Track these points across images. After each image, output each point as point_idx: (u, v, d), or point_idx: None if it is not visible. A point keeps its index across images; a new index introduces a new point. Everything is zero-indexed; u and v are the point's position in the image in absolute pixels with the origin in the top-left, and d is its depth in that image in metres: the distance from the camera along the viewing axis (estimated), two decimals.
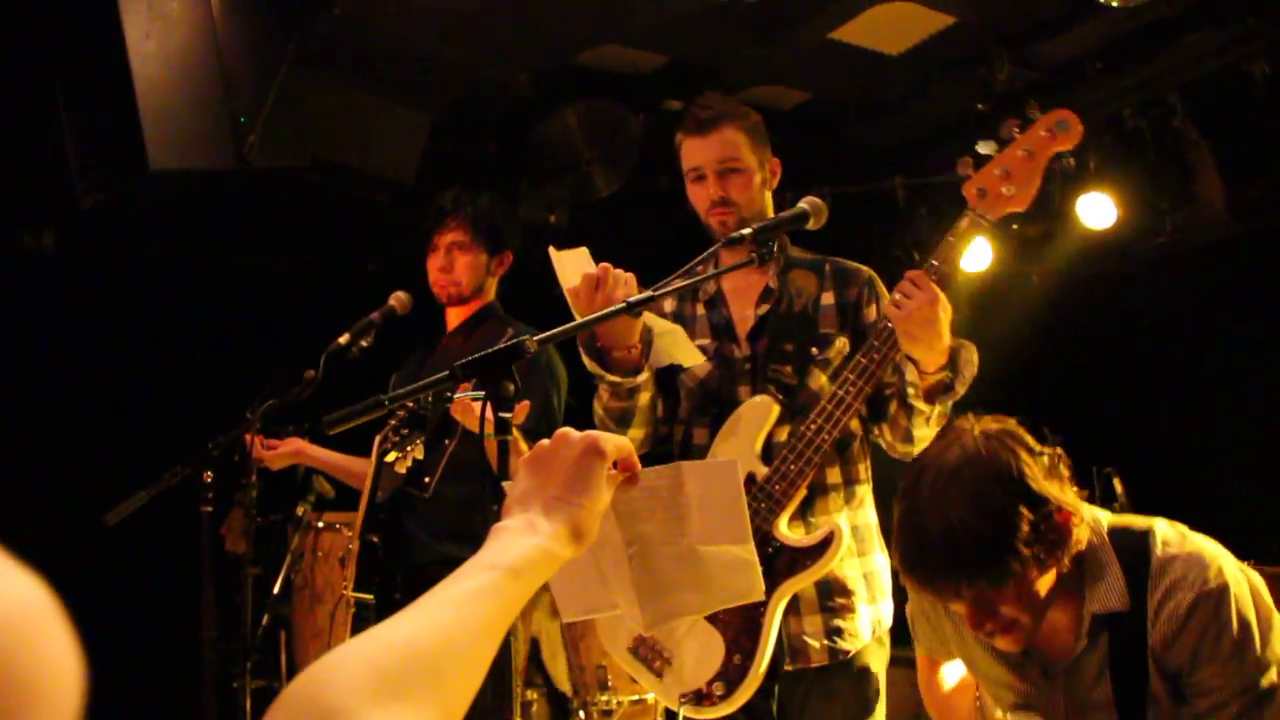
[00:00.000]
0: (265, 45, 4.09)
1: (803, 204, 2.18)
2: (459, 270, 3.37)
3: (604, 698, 4.40)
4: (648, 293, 1.88)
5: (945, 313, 2.26)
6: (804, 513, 2.46)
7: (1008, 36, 4.83)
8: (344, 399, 3.46)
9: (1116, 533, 1.93)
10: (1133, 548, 1.91)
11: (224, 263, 5.30)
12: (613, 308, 1.88)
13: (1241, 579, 1.89)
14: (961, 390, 2.34)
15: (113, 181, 4.02)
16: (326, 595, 3.61)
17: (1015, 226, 5.95)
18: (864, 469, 2.61)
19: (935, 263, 2.28)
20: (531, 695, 4.46)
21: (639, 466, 1.27)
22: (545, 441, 1.21)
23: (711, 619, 2.35)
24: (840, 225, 2.52)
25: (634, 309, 1.85)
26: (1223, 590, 1.85)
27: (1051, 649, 1.95)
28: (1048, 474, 1.80)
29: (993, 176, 2.25)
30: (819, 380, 2.53)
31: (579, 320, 1.80)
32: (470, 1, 4.21)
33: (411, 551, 3.17)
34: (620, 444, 1.23)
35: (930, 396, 2.35)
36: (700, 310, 2.66)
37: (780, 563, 2.35)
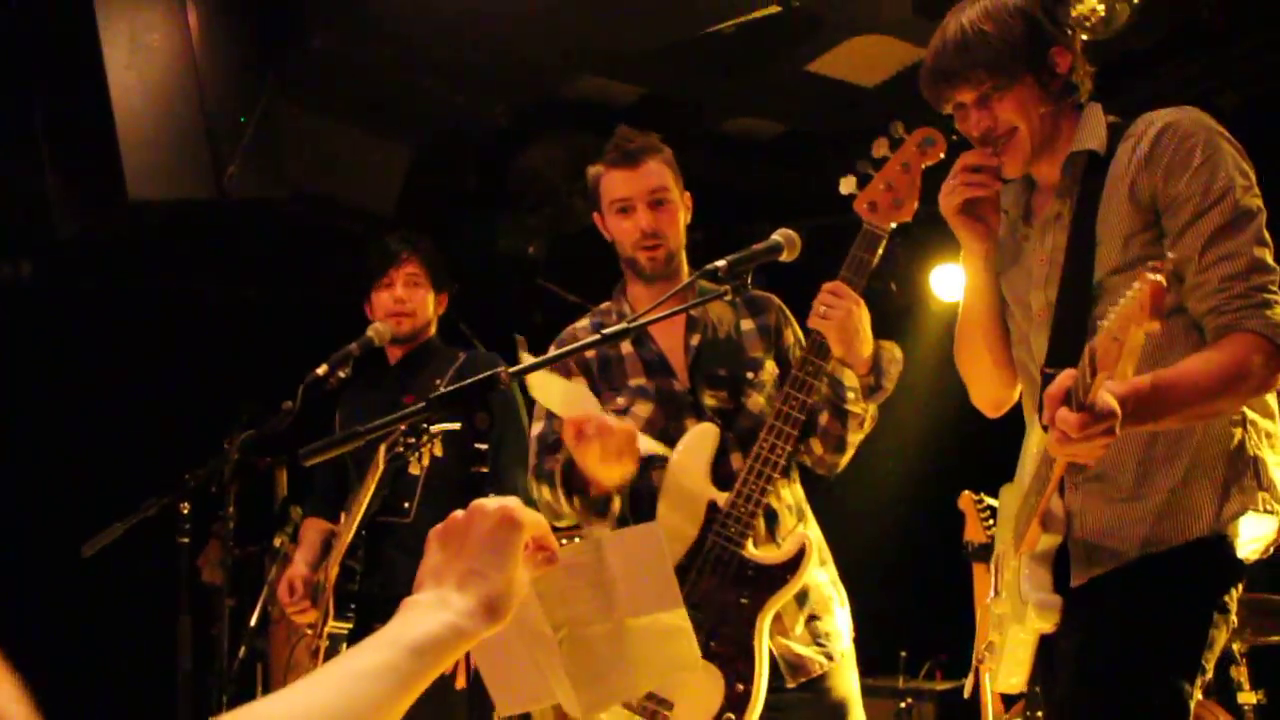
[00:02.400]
0: (245, 76, 4.11)
1: (776, 236, 2.19)
2: (415, 302, 3.47)
3: None
4: (622, 325, 1.89)
5: (867, 317, 2.40)
6: (771, 535, 2.51)
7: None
8: (323, 430, 3.47)
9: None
10: (1125, 123, 2.18)
11: (203, 293, 5.30)
12: (589, 339, 1.88)
13: (1216, 124, 2.10)
14: (889, 388, 2.47)
15: (91, 211, 4.02)
16: (294, 619, 3.59)
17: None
18: (800, 489, 2.66)
19: (847, 274, 2.40)
20: None
21: (555, 545, 1.22)
22: (458, 513, 1.16)
23: (702, 654, 2.34)
24: (817, 257, 2.56)
25: (608, 340, 1.86)
26: (1193, 118, 2.09)
27: (1042, 198, 2.26)
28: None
29: (879, 191, 2.41)
30: (756, 403, 2.56)
31: (553, 354, 1.81)
32: (448, 34, 4.25)
33: (391, 581, 3.15)
34: (536, 519, 1.18)
35: (864, 397, 2.47)
36: (627, 349, 2.61)
37: (761, 583, 2.39)
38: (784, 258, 2.20)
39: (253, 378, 4.34)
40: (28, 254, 4.94)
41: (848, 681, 2.55)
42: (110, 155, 3.84)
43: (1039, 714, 4.19)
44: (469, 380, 1.61)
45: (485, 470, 1.65)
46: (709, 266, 2.07)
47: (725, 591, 2.37)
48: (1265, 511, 2.06)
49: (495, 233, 5.33)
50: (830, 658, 2.51)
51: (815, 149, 5.65)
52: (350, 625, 3.17)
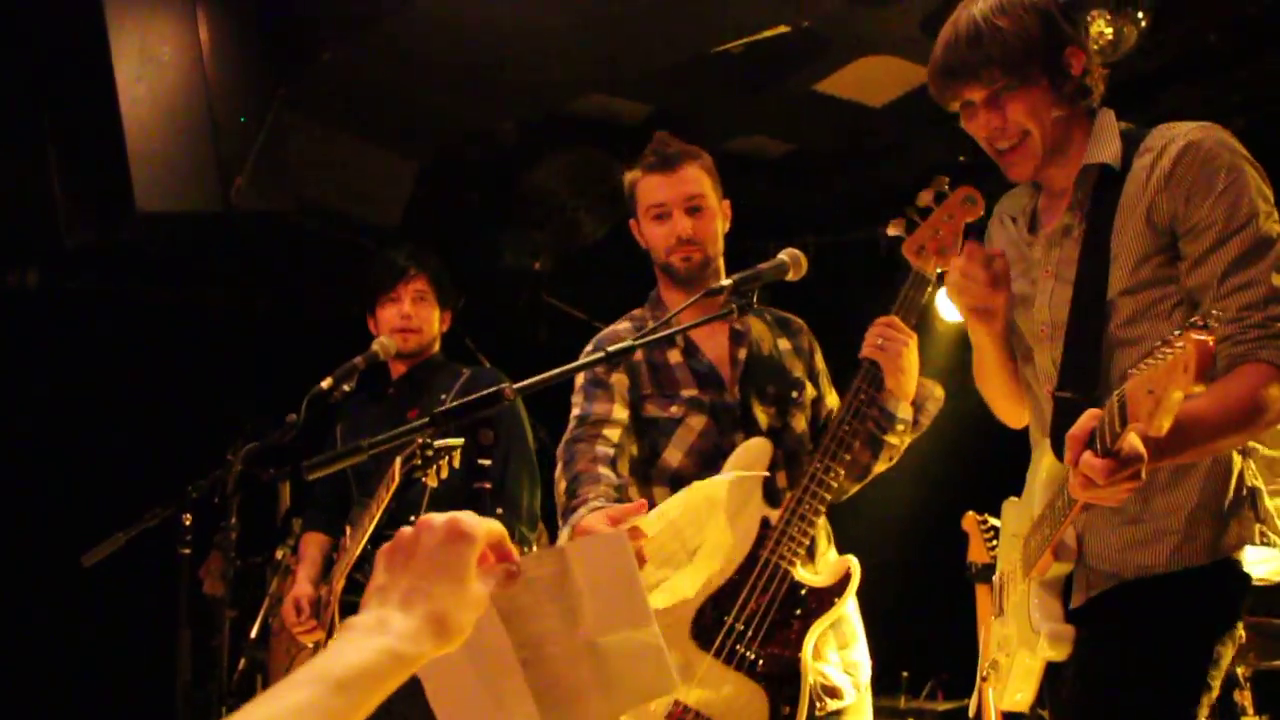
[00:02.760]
0: (254, 90, 4.13)
1: (782, 255, 2.19)
2: (421, 318, 3.47)
3: None
4: (627, 343, 1.89)
5: (916, 354, 2.47)
6: (810, 557, 2.52)
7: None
8: (323, 443, 3.47)
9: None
10: (1138, 132, 2.14)
11: (209, 304, 5.31)
12: (592, 357, 1.88)
13: (1239, 145, 2.03)
14: (926, 424, 2.54)
15: (99, 222, 4.03)
16: (300, 638, 3.58)
17: None
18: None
19: (900, 310, 2.45)
20: None
21: (515, 554, 1.12)
22: (406, 529, 1.09)
23: (749, 673, 2.37)
24: (824, 275, 2.58)
25: (613, 358, 1.86)
26: (1216, 139, 2.00)
27: (1049, 204, 2.23)
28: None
29: (928, 237, 2.46)
30: (800, 423, 2.59)
31: (558, 370, 1.80)
32: (457, 50, 4.26)
33: None
34: (491, 528, 1.10)
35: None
36: (676, 358, 2.60)
37: (811, 604, 2.41)
38: (790, 277, 2.20)
39: (257, 390, 4.35)
40: (35, 262, 4.95)
41: (868, 715, 2.58)
42: (119, 166, 3.86)
43: None
44: (473, 396, 1.61)
45: (489, 486, 1.65)
46: (715, 286, 2.09)
47: (775, 611, 2.37)
48: (1263, 543, 2.05)
49: (501, 248, 5.34)
50: (857, 689, 2.53)
51: (822, 168, 5.66)
52: None
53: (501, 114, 4.86)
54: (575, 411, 2.57)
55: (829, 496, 2.40)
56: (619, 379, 2.56)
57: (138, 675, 4.57)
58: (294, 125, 4.26)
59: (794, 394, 2.59)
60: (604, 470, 2.46)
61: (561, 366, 1.83)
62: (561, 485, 2.47)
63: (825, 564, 2.54)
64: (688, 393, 2.55)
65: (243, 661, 4.19)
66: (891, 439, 2.50)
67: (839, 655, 2.52)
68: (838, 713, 2.46)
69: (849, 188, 5.72)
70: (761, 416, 2.54)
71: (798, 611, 2.39)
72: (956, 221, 2.47)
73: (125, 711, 4.85)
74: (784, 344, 2.67)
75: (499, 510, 3.14)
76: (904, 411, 2.48)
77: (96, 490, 4.63)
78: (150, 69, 3.91)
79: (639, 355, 2.58)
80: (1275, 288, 1.92)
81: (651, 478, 2.55)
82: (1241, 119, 4.82)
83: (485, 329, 3.62)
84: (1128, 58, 4.42)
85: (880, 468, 2.56)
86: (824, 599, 2.42)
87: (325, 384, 3.04)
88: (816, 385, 2.69)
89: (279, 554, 4.27)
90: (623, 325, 2.66)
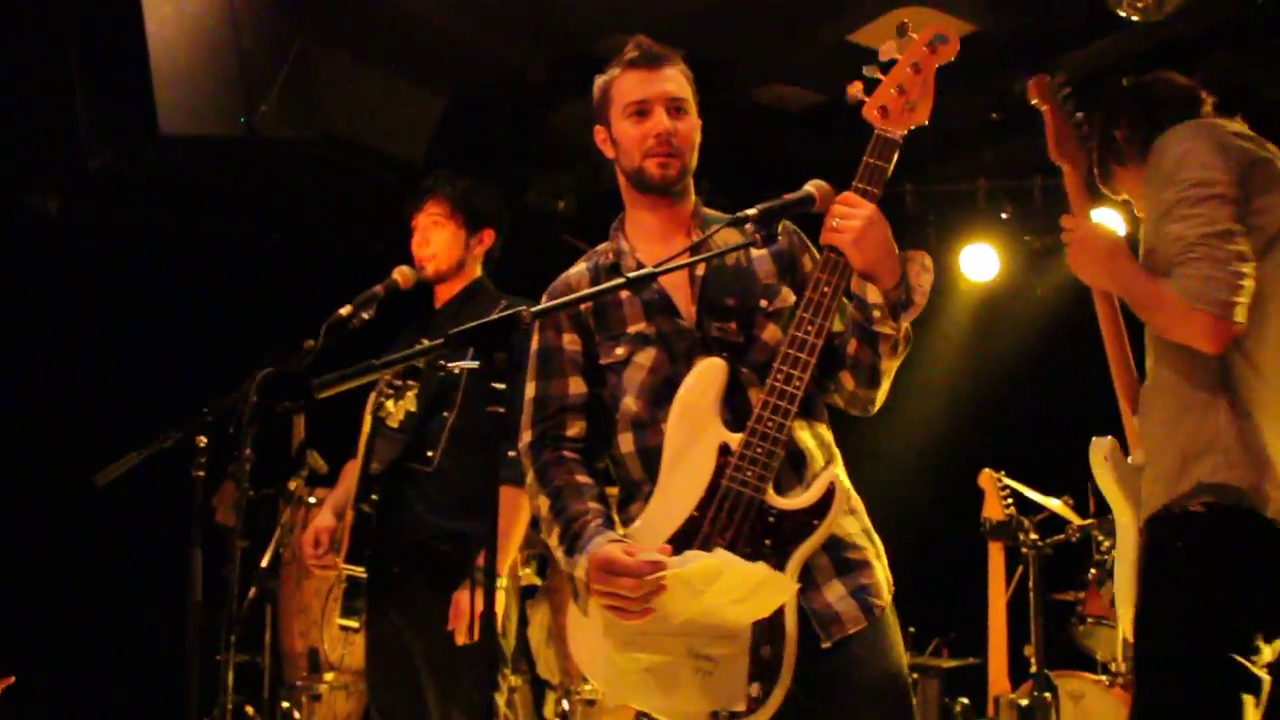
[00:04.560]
0: (282, 15, 4.08)
1: (809, 186, 2.14)
2: (435, 243, 3.36)
3: (587, 687, 4.39)
4: (648, 269, 1.85)
5: (886, 225, 2.18)
6: (800, 478, 2.24)
7: (1026, 47, 4.82)
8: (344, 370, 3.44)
9: None
10: None
11: (230, 232, 5.30)
12: (613, 282, 1.84)
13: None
14: (921, 302, 2.22)
15: (122, 144, 4.02)
16: (315, 570, 3.59)
17: (1027, 239, 5.96)
18: (826, 424, 2.40)
19: (861, 185, 2.19)
20: (515, 681, 4.46)
21: None
22: None
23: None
24: None
25: (632, 284, 1.83)
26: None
27: None
28: None
29: (890, 95, 2.24)
30: (773, 334, 2.30)
31: (579, 294, 1.77)
32: None
33: (412, 526, 3.14)
34: None
35: (894, 314, 2.20)
36: (625, 292, 2.32)
37: (786, 530, 2.15)
38: (816, 208, 2.14)
39: (276, 318, 4.34)
40: (57, 185, 4.94)
41: (892, 642, 2.28)
42: (143, 88, 3.84)
43: (1047, 695, 4.18)
44: (488, 319, 1.59)
45: (502, 411, 1.62)
46: (739, 214, 2.03)
47: (745, 544, 2.12)
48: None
49: (525, 187, 5.31)
50: (871, 612, 2.24)
51: (851, 120, 5.58)
52: (364, 571, 3.16)
53: (531, 52, 4.81)
54: (529, 393, 2.39)
55: (792, 409, 2.13)
56: (570, 340, 2.35)
57: (149, 597, 4.60)
58: (321, 53, 4.22)
59: (761, 302, 2.31)
60: (581, 479, 2.30)
61: (595, 287, 1.80)
62: (543, 501, 2.30)
63: (816, 484, 2.24)
64: (634, 328, 2.31)
65: (253, 590, 4.20)
66: (881, 328, 2.19)
67: (840, 580, 2.24)
68: (844, 642, 2.20)
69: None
70: (718, 333, 2.28)
71: (767, 542, 2.13)
72: (925, 71, 2.25)
73: (136, 632, 4.90)
74: (758, 251, 2.37)
75: (511, 453, 3.11)
76: (874, 295, 2.17)
77: (114, 413, 4.65)
78: None
79: (586, 304, 2.34)
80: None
81: (616, 428, 2.33)
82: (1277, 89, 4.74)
83: (505, 268, 3.57)
84: (1170, 19, 4.33)
85: (888, 364, 2.25)
86: (802, 523, 2.16)
87: (344, 311, 3.02)
88: (799, 288, 2.32)
89: (292, 485, 4.27)
90: (575, 269, 2.43)
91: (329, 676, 4.46)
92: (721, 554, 2.08)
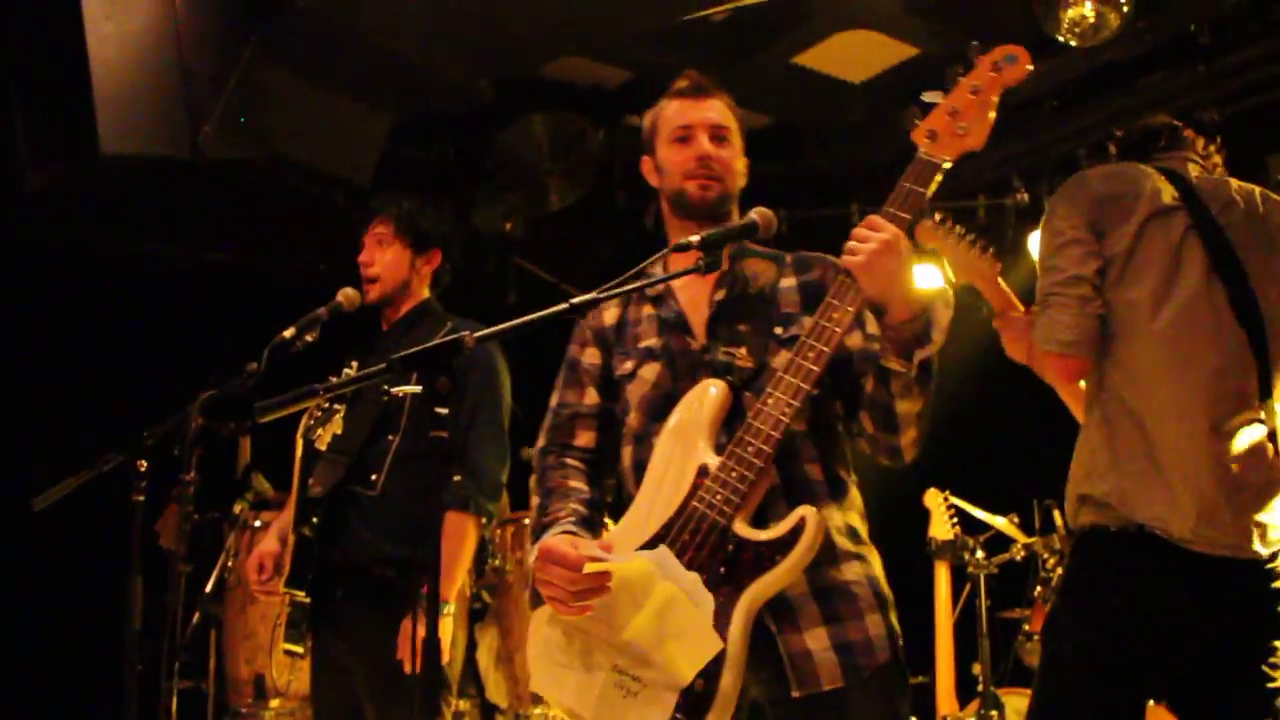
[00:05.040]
0: (226, 35, 4.06)
1: (753, 214, 2.13)
2: (379, 264, 3.33)
3: (537, 711, 4.37)
4: (592, 294, 1.86)
5: (909, 254, 2.06)
6: (786, 513, 2.11)
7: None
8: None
9: None
10: None
11: (172, 253, 5.23)
12: (555, 308, 1.85)
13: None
14: (939, 340, 2.07)
15: (62, 164, 3.96)
16: (259, 596, 3.55)
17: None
18: (847, 464, 2.30)
19: (892, 210, 2.09)
20: (463, 705, 4.43)
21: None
22: None
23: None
24: (795, 249, 2.50)
25: (577, 310, 1.83)
26: None
27: None
28: None
29: (942, 118, 2.14)
30: (783, 360, 2.17)
31: (522, 319, 1.78)
32: (436, 5, 4.21)
33: (355, 550, 3.10)
34: None
35: (906, 350, 2.06)
36: (648, 310, 2.37)
37: (744, 561, 2.03)
38: (760, 235, 2.14)
39: (219, 340, 4.29)
40: None
41: (878, 710, 2.12)
42: (84, 107, 3.79)
43: (994, 713, 4.21)
44: (431, 343, 1.58)
45: (444, 435, 1.61)
46: (682, 241, 2.01)
47: (701, 569, 2.03)
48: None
49: (472, 208, 5.29)
50: (855, 671, 2.09)
51: (798, 142, 5.65)
52: (305, 594, 3.13)
53: (477, 72, 4.80)
54: (550, 402, 2.44)
55: (776, 435, 2.04)
56: (590, 354, 2.40)
57: (89, 624, 4.52)
58: (265, 74, 4.19)
59: (776, 329, 2.24)
60: (575, 484, 2.32)
61: (536, 313, 1.80)
62: (534, 503, 2.34)
63: (789, 518, 2.12)
64: (646, 343, 2.33)
65: (196, 616, 4.15)
66: (888, 363, 2.07)
67: (827, 629, 2.11)
68: (820, 698, 2.06)
69: (824, 163, 5.71)
70: (726, 357, 2.23)
71: (722, 570, 2.02)
72: (985, 94, 2.12)
73: (75, 660, 4.81)
74: (787, 281, 2.33)
75: (457, 477, 3.09)
76: (873, 325, 2.11)
77: (52, 436, 4.56)
78: (119, 8, 3.84)
79: (612, 318, 2.41)
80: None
81: (620, 441, 2.35)
82: (1218, 112, 4.84)
83: (454, 290, 3.56)
84: (1108, 44, 4.42)
85: (905, 406, 2.11)
86: (761, 555, 2.02)
87: (287, 334, 2.99)
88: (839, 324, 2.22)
89: (237, 509, 4.23)
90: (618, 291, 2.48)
91: (274, 703, 4.40)
92: (662, 553, 2.06)
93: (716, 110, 2.38)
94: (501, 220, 5.33)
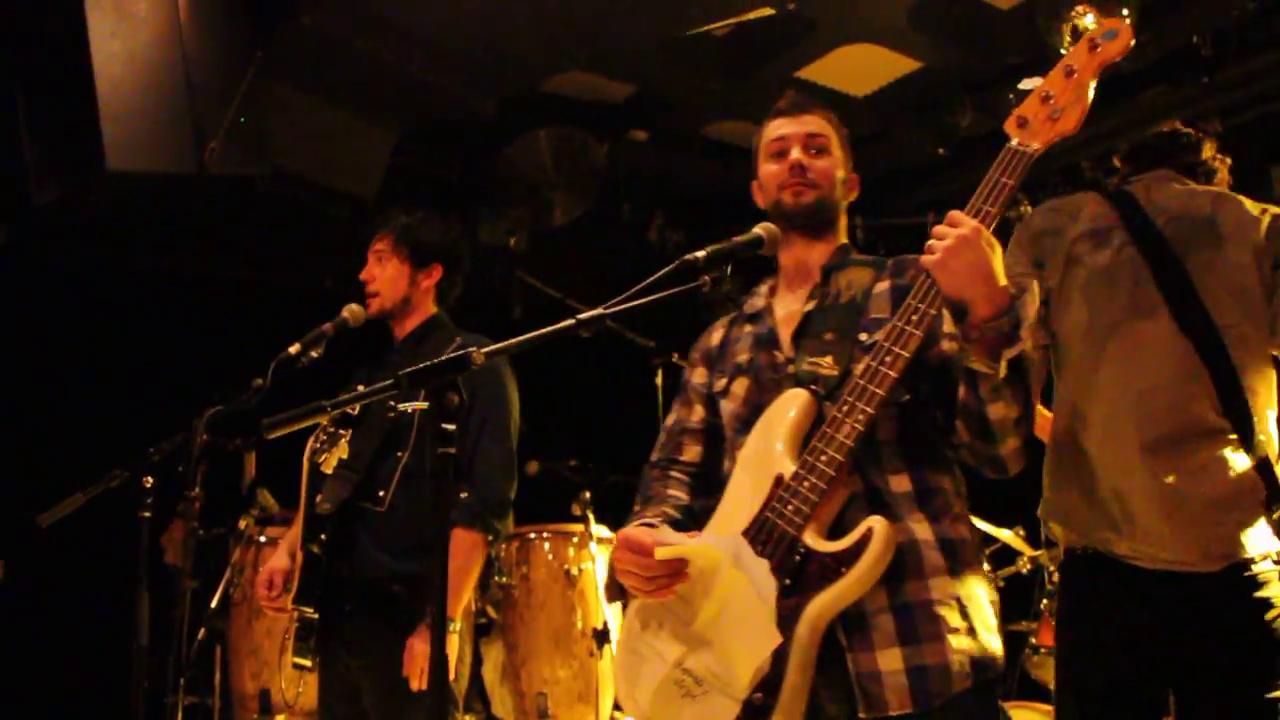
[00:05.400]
0: (231, 52, 4.07)
1: (758, 230, 2.13)
2: (379, 280, 3.33)
3: None
4: (598, 310, 1.86)
5: (992, 249, 1.94)
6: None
7: (971, 84, 4.91)
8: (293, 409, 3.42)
9: None
10: None
11: (179, 268, 5.25)
12: (562, 324, 1.84)
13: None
14: (1028, 337, 1.93)
15: (69, 180, 3.98)
16: (265, 611, 3.55)
17: None
18: (946, 474, 2.18)
19: (978, 204, 1.99)
20: None
21: None
22: None
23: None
24: None
25: (583, 325, 1.83)
26: None
27: None
28: None
29: (1035, 104, 2.03)
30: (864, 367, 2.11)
31: (529, 335, 1.78)
32: (440, 21, 4.22)
33: (363, 565, 3.10)
34: None
35: (993, 350, 1.93)
36: (746, 328, 2.39)
37: (809, 572, 1.97)
38: (765, 251, 2.14)
39: (226, 356, 4.31)
40: (3, 221, 4.88)
41: None
42: (90, 124, 3.80)
43: None
44: (437, 360, 1.59)
45: (452, 451, 1.62)
46: (688, 257, 2.02)
47: (770, 579, 2.00)
48: None
49: (477, 224, 5.30)
50: (927, 698, 1.97)
51: None
52: (313, 610, 3.12)
53: (481, 88, 4.82)
54: (666, 421, 2.50)
55: (849, 443, 1.97)
56: (698, 374, 2.45)
57: (95, 640, 4.52)
58: (271, 90, 4.21)
59: (861, 335, 2.16)
60: (674, 493, 2.36)
61: (542, 329, 1.81)
62: (635, 509, 2.37)
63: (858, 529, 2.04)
64: (739, 359, 2.34)
65: (202, 632, 4.15)
66: (970, 364, 1.96)
67: (903, 654, 1.99)
68: None
69: None
70: (810, 366, 2.18)
71: (787, 580, 1.97)
72: (1081, 74, 2.01)
73: (81, 675, 4.81)
74: (881, 285, 2.26)
75: (464, 494, 3.08)
76: (948, 325, 2.01)
77: (60, 452, 4.57)
78: (125, 25, 3.85)
79: (717, 338, 2.46)
80: None
81: (723, 456, 2.36)
82: (1222, 121, 4.85)
83: (458, 305, 3.56)
84: None
85: (999, 412, 1.99)
86: (826, 568, 1.94)
87: (293, 349, 2.99)
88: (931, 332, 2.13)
89: (242, 524, 4.23)
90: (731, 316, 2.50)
91: (280, 718, 4.40)
92: (735, 541, 2.07)
93: (813, 124, 2.37)
94: (506, 235, 5.34)
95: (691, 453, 2.41)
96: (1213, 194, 2.65)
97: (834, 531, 2.02)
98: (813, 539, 1.99)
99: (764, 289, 2.43)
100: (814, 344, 2.22)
